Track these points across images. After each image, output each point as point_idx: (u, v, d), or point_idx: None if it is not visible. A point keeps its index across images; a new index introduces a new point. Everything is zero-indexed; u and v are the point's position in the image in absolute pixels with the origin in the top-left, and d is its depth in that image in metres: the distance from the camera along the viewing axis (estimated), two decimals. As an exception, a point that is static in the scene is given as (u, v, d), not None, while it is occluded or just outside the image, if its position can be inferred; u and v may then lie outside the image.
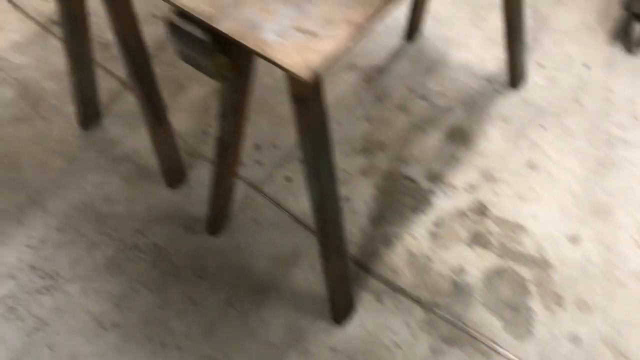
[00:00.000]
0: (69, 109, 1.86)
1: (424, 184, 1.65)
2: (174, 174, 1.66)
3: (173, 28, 0.88)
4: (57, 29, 2.10)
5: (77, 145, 1.78)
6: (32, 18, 2.15)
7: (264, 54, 0.79)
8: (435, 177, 1.66)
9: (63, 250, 1.57)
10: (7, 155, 1.76)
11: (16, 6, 2.19)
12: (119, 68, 1.96)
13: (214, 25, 0.83)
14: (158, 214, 1.63)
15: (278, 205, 1.62)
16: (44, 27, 2.11)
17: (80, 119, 1.80)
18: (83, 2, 1.50)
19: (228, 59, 0.89)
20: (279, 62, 0.78)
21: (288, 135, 1.77)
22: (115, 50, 2.00)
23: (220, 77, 0.92)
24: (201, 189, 1.67)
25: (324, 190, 1.15)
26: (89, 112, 1.79)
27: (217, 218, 1.55)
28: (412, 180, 1.66)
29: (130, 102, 1.88)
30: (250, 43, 0.81)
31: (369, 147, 1.72)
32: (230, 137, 1.28)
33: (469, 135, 1.75)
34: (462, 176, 1.66)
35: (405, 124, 1.77)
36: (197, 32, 0.85)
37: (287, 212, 1.61)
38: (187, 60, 0.92)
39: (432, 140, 1.74)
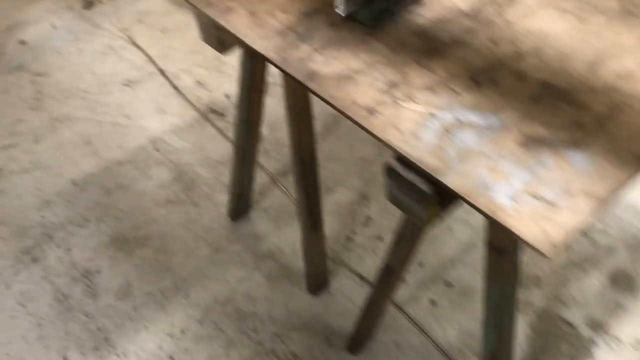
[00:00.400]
0: (219, 198, 1.92)
1: (584, 331, 1.52)
2: (317, 280, 1.64)
3: (391, 172, 0.87)
4: (214, 117, 2.22)
5: (224, 235, 1.81)
6: (192, 105, 2.28)
7: (497, 219, 0.75)
8: (597, 326, 1.53)
9: (202, 345, 1.56)
10: (158, 237, 1.83)
11: (179, 92, 2.35)
12: (270, 162, 2.01)
13: (439, 178, 0.81)
14: (297, 320, 1.60)
15: (422, 330, 1.55)
16: (203, 115, 2.23)
17: (230, 210, 1.84)
18: (261, 108, 1.56)
19: (442, 209, 0.86)
20: (516, 232, 0.73)
21: (434, 254, 1.72)
22: (267, 145, 2.06)
23: (428, 225, 0.89)
24: (342, 299, 1.63)
25: (501, 341, 1.07)
26: (240, 205, 1.83)
27: (360, 337, 1.49)
28: (571, 325, 1.53)
29: (277, 198, 1.91)
30: (480, 204, 0.77)
31: (523, 281, 1.62)
32: (399, 264, 1.24)
33: (636, 283, 1.61)
34: (629, 329, 1.51)
35: (563, 259, 1.67)
36: (419, 182, 0.84)
37: (432, 340, 1.53)
38: (397, 203, 0.90)
39: (593, 282, 1.61)
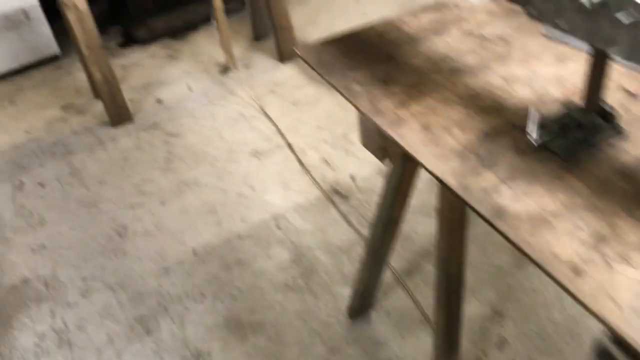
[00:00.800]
0: (339, 290, 1.82)
1: None
2: (443, 406, 1.47)
3: (604, 356, 0.72)
4: (337, 200, 2.15)
5: (341, 335, 1.70)
6: (317, 183, 2.23)
7: None
8: None
9: None
10: (273, 325, 1.74)
11: (305, 168, 2.31)
12: (394, 258, 1.89)
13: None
14: None
15: None
16: (327, 195, 2.17)
17: (350, 307, 1.73)
18: (404, 210, 1.46)
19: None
20: None
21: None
22: (398, 247, 1.94)
23: None
24: None
25: None
26: (362, 304, 1.72)
27: None
28: None
29: (401, 299, 1.78)
30: None
31: None
32: None
33: None
34: None
35: None
36: (643, 376, 0.68)
37: None
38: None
39: None
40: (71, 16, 2.43)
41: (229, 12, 3.03)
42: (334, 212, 2.10)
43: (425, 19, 1.39)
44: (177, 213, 2.17)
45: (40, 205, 2.28)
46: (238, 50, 3.09)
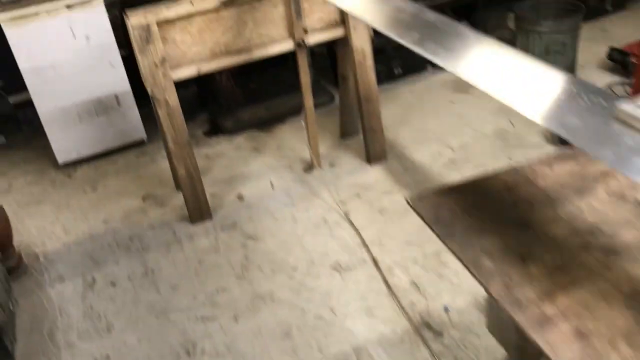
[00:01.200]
0: None
1: None
2: None
3: None
4: (428, 335, 1.90)
5: None
6: (405, 312, 2.00)
7: None
8: None
9: None
10: None
11: (391, 292, 2.09)
12: (497, 422, 1.62)
13: None
14: None
15: None
16: (416, 329, 1.93)
17: None
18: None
19: None
20: None
21: None
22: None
23: None
24: None
25: None
26: None
27: None
28: None
29: None
30: None
31: None
32: None
33: None
34: None
35: None
36: None
37: None
38: None
39: None
40: (161, 111, 2.39)
41: (317, 105, 2.93)
42: (424, 352, 1.85)
43: (561, 171, 1.19)
44: (250, 333, 1.99)
45: (109, 308, 2.17)
46: (323, 147, 2.97)
